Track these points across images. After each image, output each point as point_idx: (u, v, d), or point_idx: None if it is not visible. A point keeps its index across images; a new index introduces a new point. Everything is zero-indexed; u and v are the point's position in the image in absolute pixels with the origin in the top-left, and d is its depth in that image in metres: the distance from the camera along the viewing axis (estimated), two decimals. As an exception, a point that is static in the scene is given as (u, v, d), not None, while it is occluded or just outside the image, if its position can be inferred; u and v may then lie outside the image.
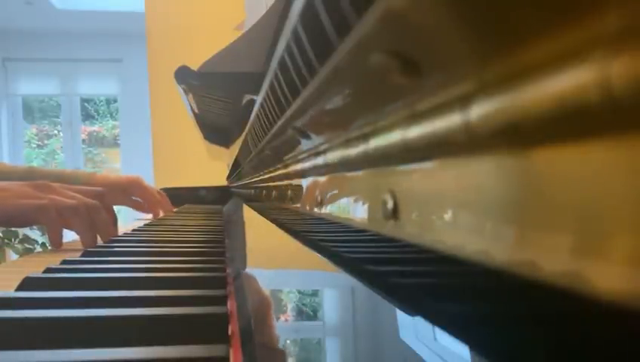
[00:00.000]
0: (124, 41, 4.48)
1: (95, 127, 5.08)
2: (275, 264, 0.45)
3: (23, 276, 0.37)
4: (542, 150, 0.10)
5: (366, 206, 0.21)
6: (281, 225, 0.44)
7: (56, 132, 5.06)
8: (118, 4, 3.96)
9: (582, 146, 0.09)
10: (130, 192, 1.09)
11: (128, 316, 0.28)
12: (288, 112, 0.31)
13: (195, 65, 0.61)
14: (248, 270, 0.51)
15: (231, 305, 0.34)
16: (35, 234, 2.36)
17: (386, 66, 0.15)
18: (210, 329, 0.28)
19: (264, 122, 0.43)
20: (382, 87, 0.17)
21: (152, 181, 2.10)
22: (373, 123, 0.19)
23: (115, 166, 4.87)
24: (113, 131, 5.06)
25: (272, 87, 0.33)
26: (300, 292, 0.35)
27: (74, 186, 0.70)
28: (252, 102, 0.49)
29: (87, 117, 5.05)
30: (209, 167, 1.83)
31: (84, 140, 5.00)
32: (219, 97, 0.75)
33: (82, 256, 0.51)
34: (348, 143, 0.22)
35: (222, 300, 0.33)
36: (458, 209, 0.13)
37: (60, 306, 0.30)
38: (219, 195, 1.62)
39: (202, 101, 0.83)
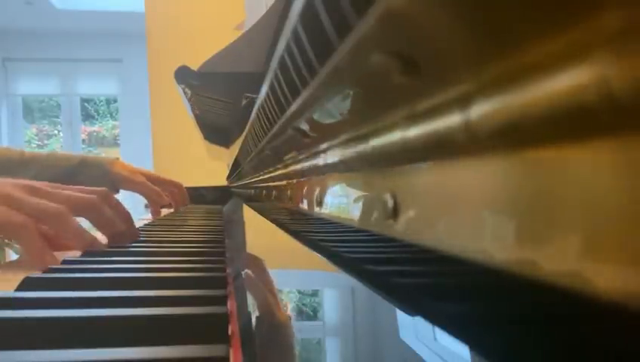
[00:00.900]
0: (124, 41, 4.48)
1: (95, 127, 5.09)
2: (275, 264, 0.45)
3: (22, 276, 0.37)
4: (542, 150, 0.10)
5: (366, 206, 0.21)
6: (281, 225, 0.44)
7: (56, 132, 5.07)
8: (118, 4, 3.97)
9: (582, 146, 0.09)
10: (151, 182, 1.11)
11: (128, 316, 0.28)
12: (288, 112, 0.31)
13: (195, 65, 0.61)
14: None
15: (231, 305, 0.34)
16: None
17: (386, 66, 0.15)
18: (210, 329, 0.28)
19: (264, 122, 0.43)
20: (382, 87, 0.17)
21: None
22: (374, 123, 0.19)
23: (115, 166, 4.86)
24: (113, 131, 5.06)
25: (272, 87, 0.33)
26: (300, 292, 0.35)
27: (73, 187, 0.63)
28: (252, 102, 0.49)
29: (87, 117, 5.05)
30: (209, 167, 1.83)
31: (84, 140, 5.00)
32: (219, 97, 0.75)
33: (82, 256, 0.51)
34: (348, 143, 0.22)
35: (222, 300, 0.33)
36: (458, 209, 0.13)
37: (60, 306, 0.30)
38: (219, 195, 1.62)
39: (202, 101, 0.83)
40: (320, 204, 0.29)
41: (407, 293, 0.17)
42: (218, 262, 0.47)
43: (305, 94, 0.26)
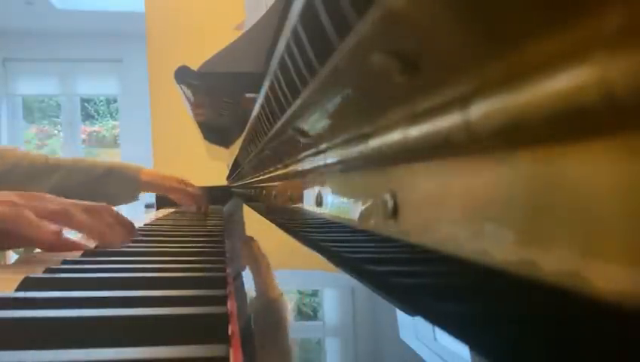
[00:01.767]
0: (124, 41, 4.48)
1: (95, 127, 5.08)
2: (275, 264, 0.45)
3: (22, 276, 0.37)
4: (542, 150, 0.10)
5: (366, 206, 0.21)
6: (281, 225, 0.44)
7: (56, 132, 5.06)
8: (118, 4, 3.97)
9: (582, 146, 0.09)
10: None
11: (128, 316, 0.28)
12: (288, 112, 0.31)
13: (195, 65, 0.61)
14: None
15: (231, 305, 0.34)
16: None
17: (386, 66, 0.15)
18: (210, 329, 0.28)
19: (264, 122, 0.43)
20: (382, 87, 0.17)
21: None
22: (373, 123, 0.19)
23: (115, 166, 4.86)
24: (113, 131, 5.06)
25: (272, 87, 0.33)
26: (300, 292, 0.35)
27: (78, 202, 0.59)
28: (252, 102, 0.49)
29: (87, 117, 5.05)
30: (209, 167, 1.83)
31: (84, 140, 5.00)
32: (219, 97, 0.75)
33: (82, 256, 0.51)
34: (348, 143, 0.22)
35: (222, 300, 0.33)
36: (458, 209, 0.13)
37: (60, 306, 0.30)
38: (219, 195, 1.62)
39: (202, 101, 0.82)
40: (320, 203, 0.29)
41: (407, 293, 0.17)
42: (218, 262, 0.47)
43: (305, 94, 0.26)
